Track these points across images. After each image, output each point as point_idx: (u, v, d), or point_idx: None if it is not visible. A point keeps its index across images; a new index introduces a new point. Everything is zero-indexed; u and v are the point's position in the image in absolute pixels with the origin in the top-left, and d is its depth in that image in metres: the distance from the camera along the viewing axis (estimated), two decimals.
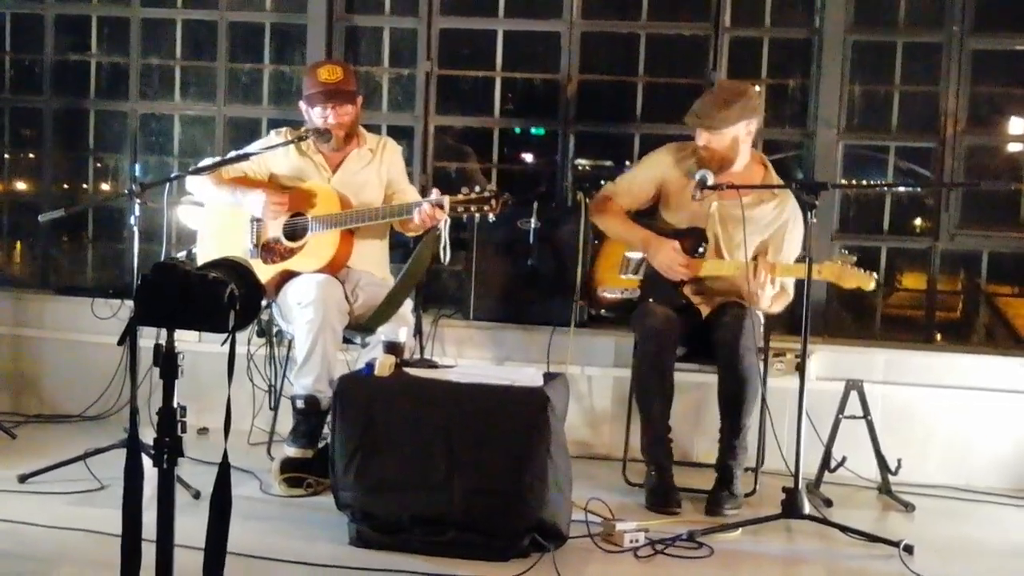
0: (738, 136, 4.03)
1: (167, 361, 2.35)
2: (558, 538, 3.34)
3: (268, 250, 4.19)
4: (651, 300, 4.11)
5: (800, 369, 3.68)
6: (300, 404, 4.00)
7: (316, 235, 4.12)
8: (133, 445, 2.47)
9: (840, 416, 4.20)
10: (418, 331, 4.47)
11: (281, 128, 4.34)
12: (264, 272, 4.09)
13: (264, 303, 3.97)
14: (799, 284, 4.11)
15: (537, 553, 3.26)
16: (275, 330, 4.41)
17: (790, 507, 3.58)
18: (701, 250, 4.10)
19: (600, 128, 5.28)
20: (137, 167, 5.40)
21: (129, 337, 2.59)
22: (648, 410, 4.01)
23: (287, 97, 5.38)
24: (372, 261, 4.29)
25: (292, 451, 3.99)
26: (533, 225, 4.61)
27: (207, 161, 4.23)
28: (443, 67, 5.31)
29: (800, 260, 3.98)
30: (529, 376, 3.52)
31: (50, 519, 3.44)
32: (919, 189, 5.21)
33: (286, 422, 4.19)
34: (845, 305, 5.13)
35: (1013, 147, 5.10)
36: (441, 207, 3.85)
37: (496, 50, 5.26)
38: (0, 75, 5.66)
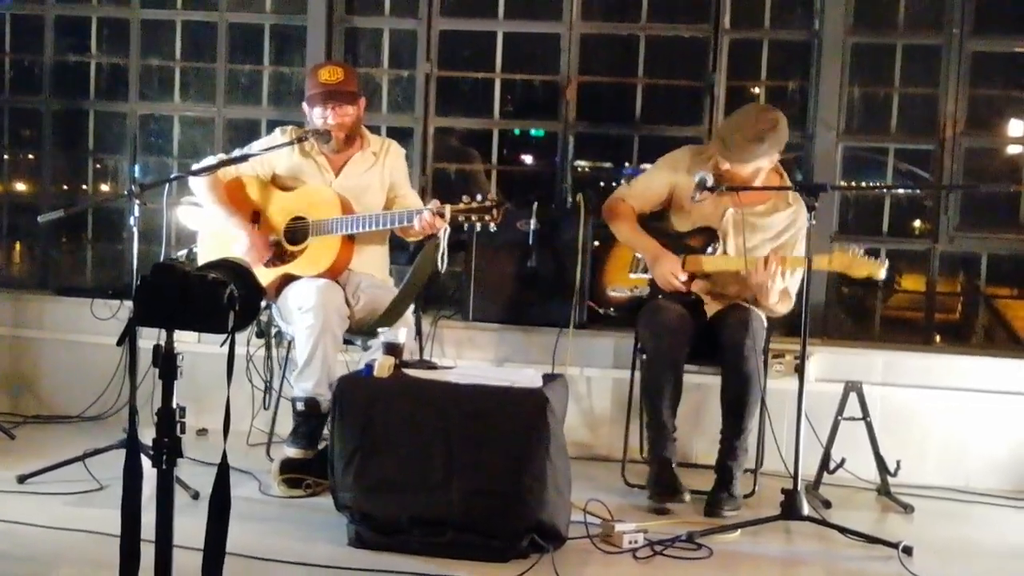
0: (762, 167, 4.03)
1: (166, 362, 2.36)
2: (557, 539, 3.34)
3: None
4: (661, 297, 4.11)
5: (799, 370, 3.68)
6: (300, 407, 4.00)
7: (317, 239, 4.12)
8: (132, 446, 2.48)
9: (839, 417, 4.20)
10: (418, 332, 4.47)
11: (286, 127, 4.33)
12: (265, 275, 4.09)
13: (263, 304, 3.97)
14: (800, 287, 4.13)
15: (536, 554, 3.26)
16: (274, 331, 4.41)
17: (789, 508, 3.58)
18: (710, 250, 4.11)
19: (600, 130, 5.29)
20: (136, 168, 5.37)
21: (128, 338, 2.58)
22: (657, 407, 3.98)
23: (287, 98, 5.39)
24: (372, 264, 4.29)
25: (292, 452, 3.99)
26: (533, 226, 4.61)
27: (209, 160, 4.22)
28: (443, 68, 5.31)
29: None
30: (528, 377, 3.52)
31: (49, 519, 3.44)
32: (918, 191, 5.22)
33: (285, 423, 4.20)
34: (844, 307, 5.13)
35: (1012, 149, 5.10)
36: (442, 216, 3.85)
37: (496, 52, 5.26)
38: (0, 76, 5.66)
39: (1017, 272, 5.08)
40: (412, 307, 4.24)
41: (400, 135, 5.15)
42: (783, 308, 4.14)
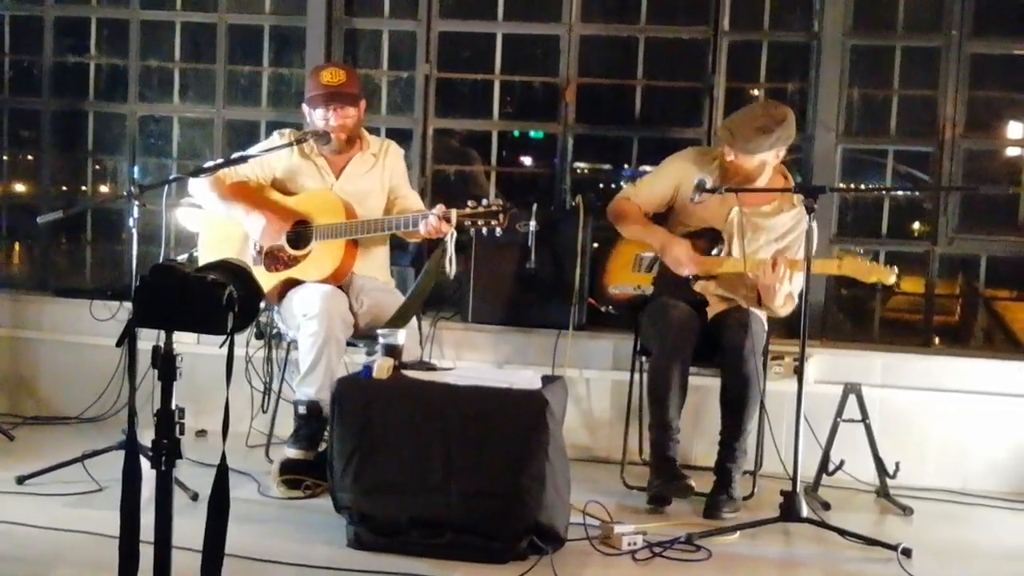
0: (767, 161, 4.04)
1: (165, 363, 2.36)
2: (556, 541, 3.34)
3: (272, 258, 4.18)
4: (664, 295, 4.12)
5: (798, 372, 3.69)
6: (302, 410, 4.00)
7: (321, 244, 4.11)
8: (131, 447, 2.48)
9: (838, 419, 4.21)
10: (418, 334, 4.46)
11: (284, 130, 4.33)
12: (267, 280, 4.08)
13: (263, 306, 3.96)
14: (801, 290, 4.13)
15: (535, 556, 3.26)
16: (273, 331, 4.40)
17: (788, 510, 3.58)
18: (715, 252, 4.11)
19: (599, 131, 5.29)
20: (136, 169, 5.40)
21: (128, 339, 2.58)
22: (663, 405, 3.96)
23: (286, 100, 5.39)
24: (375, 266, 4.29)
25: (292, 453, 3.99)
26: (532, 228, 4.61)
27: (208, 163, 4.21)
28: (442, 70, 5.31)
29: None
30: (527, 379, 3.52)
31: (48, 521, 3.44)
32: (917, 193, 5.22)
33: (284, 425, 4.20)
34: (843, 309, 5.13)
35: (1011, 151, 5.10)
36: (448, 220, 3.85)
37: (495, 53, 5.26)
38: None
39: (1016, 274, 5.08)
40: None
41: (399, 136, 5.15)
42: (786, 310, 4.14)
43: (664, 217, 4.31)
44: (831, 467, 4.16)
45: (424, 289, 4.14)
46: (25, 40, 5.60)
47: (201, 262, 4.21)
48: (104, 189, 5.72)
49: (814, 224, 3.65)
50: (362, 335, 4.13)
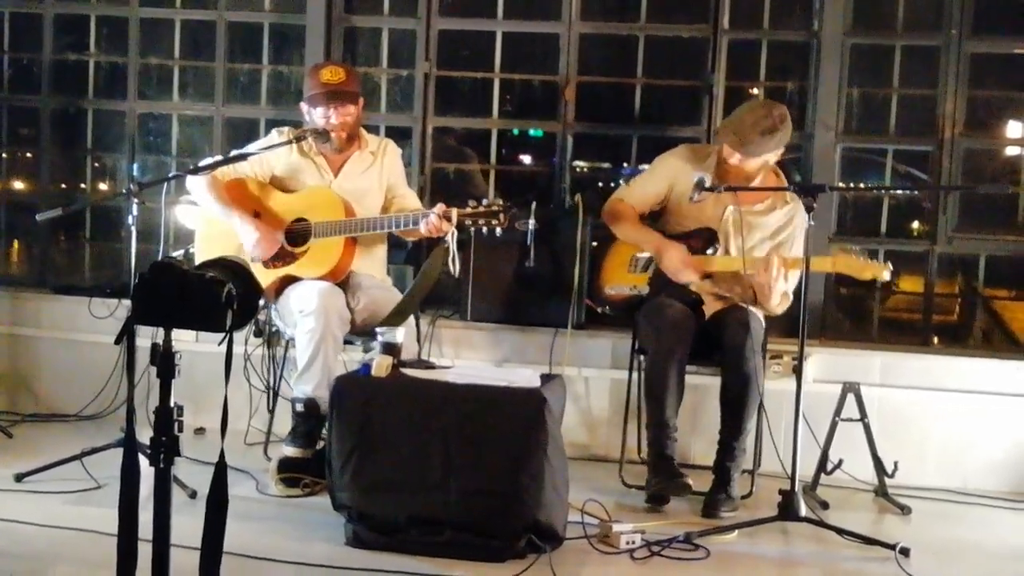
0: (768, 160, 4.05)
1: (164, 360, 2.36)
2: (554, 539, 3.34)
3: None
4: (662, 294, 4.12)
5: (797, 371, 3.69)
6: (300, 407, 4.00)
7: (319, 241, 4.11)
8: (130, 444, 2.49)
9: (837, 419, 4.21)
10: (416, 332, 4.46)
11: (283, 128, 4.33)
12: (265, 277, 4.08)
13: (262, 303, 3.96)
14: (799, 288, 4.13)
15: (533, 554, 3.26)
16: (272, 329, 4.40)
17: (786, 509, 3.58)
18: (710, 251, 4.11)
19: (598, 130, 5.29)
20: (135, 167, 5.39)
21: (126, 336, 2.58)
22: (659, 404, 3.97)
23: (285, 97, 5.38)
24: (372, 264, 4.29)
25: (290, 451, 3.99)
26: (531, 226, 4.61)
27: (207, 160, 4.22)
28: (442, 68, 5.31)
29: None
30: (526, 377, 3.52)
31: (46, 518, 3.44)
32: (916, 192, 5.22)
33: (283, 422, 4.20)
34: (842, 308, 5.13)
35: (1011, 150, 5.10)
36: (448, 219, 3.85)
37: (495, 51, 5.26)
38: None
39: (1015, 273, 5.08)
40: None
41: (399, 135, 5.16)
42: (782, 308, 4.14)
43: (659, 216, 4.31)
44: (830, 466, 4.16)
45: (423, 288, 4.14)
46: (24, 37, 5.60)
47: (197, 258, 4.23)
48: (103, 187, 5.72)
49: (811, 222, 3.64)
50: (359, 332, 4.13)
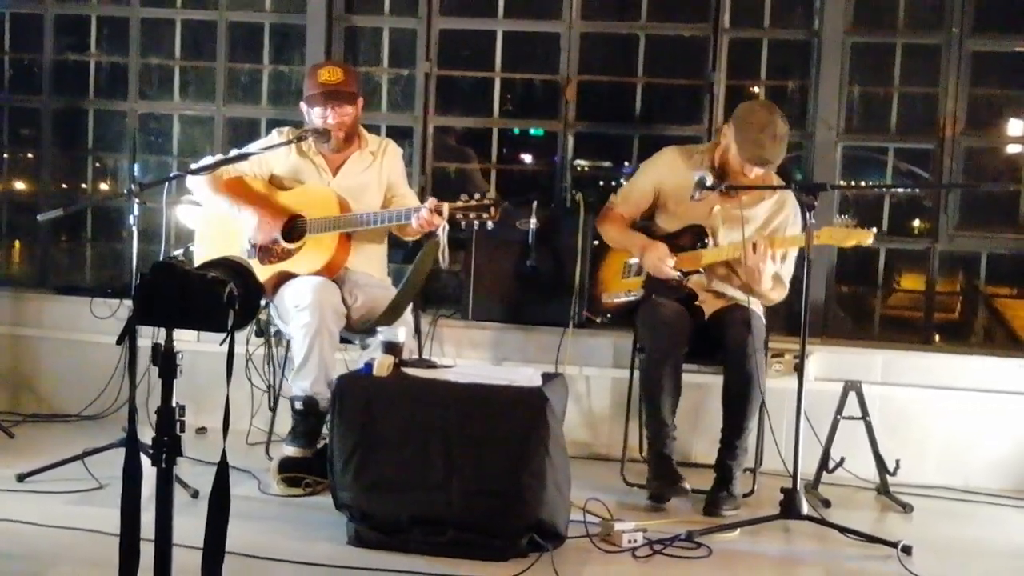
0: None
1: (165, 361, 2.36)
2: (556, 538, 3.34)
3: (266, 251, 4.19)
4: (656, 296, 4.12)
5: (799, 370, 3.69)
6: (298, 405, 4.00)
7: (314, 237, 4.12)
8: (132, 444, 2.48)
9: (838, 417, 4.20)
10: (417, 331, 4.47)
11: (283, 128, 4.34)
12: (261, 272, 4.08)
13: (263, 302, 3.97)
14: (794, 277, 4.14)
15: (535, 553, 3.26)
16: (273, 330, 4.41)
17: (788, 508, 3.58)
18: (699, 246, 4.11)
19: (599, 129, 5.28)
20: (136, 167, 5.38)
21: (128, 336, 2.58)
22: (656, 404, 3.98)
23: (286, 97, 5.38)
24: (371, 263, 4.29)
25: (291, 451, 3.99)
26: (532, 225, 4.61)
27: (207, 160, 4.23)
28: (442, 67, 5.31)
29: (799, 259, 3.99)
30: (528, 376, 3.53)
31: (48, 518, 3.44)
32: (918, 190, 5.22)
33: (284, 422, 4.19)
34: (844, 306, 5.13)
35: (1012, 148, 5.10)
36: (439, 213, 3.85)
37: (495, 51, 5.26)
38: (0, 74, 5.66)
39: (1017, 271, 5.08)
40: (411, 306, 4.24)
41: (399, 134, 5.16)
42: (777, 295, 4.15)
43: (652, 218, 4.33)
44: (831, 464, 4.16)
45: (415, 283, 4.14)
46: (25, 38, 5.60)
47: (197, 257, 4.24)
48: (104, 187, 5.73)
49: (812, 221, 3.64)
50: (356, 330, 4.14)
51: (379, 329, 3.75)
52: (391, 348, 3.64)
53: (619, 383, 4.62)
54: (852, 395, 4.19)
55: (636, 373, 4.32)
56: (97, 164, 5.69)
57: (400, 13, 5.34)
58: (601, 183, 5.45)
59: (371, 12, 5.38)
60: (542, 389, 3.37)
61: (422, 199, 4.22)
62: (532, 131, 5.51)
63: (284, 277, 4.13)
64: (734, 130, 4.00)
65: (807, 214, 3.64)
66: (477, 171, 5.35)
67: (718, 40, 5.04)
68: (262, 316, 4.32)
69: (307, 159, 4.25)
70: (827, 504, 4.10)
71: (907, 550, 3.46)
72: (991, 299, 5.13)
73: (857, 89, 5.03)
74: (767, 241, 3.93)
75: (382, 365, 3.50)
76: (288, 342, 4.29)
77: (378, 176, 4.31)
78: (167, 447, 2.35)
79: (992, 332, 5.12)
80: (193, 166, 4.21)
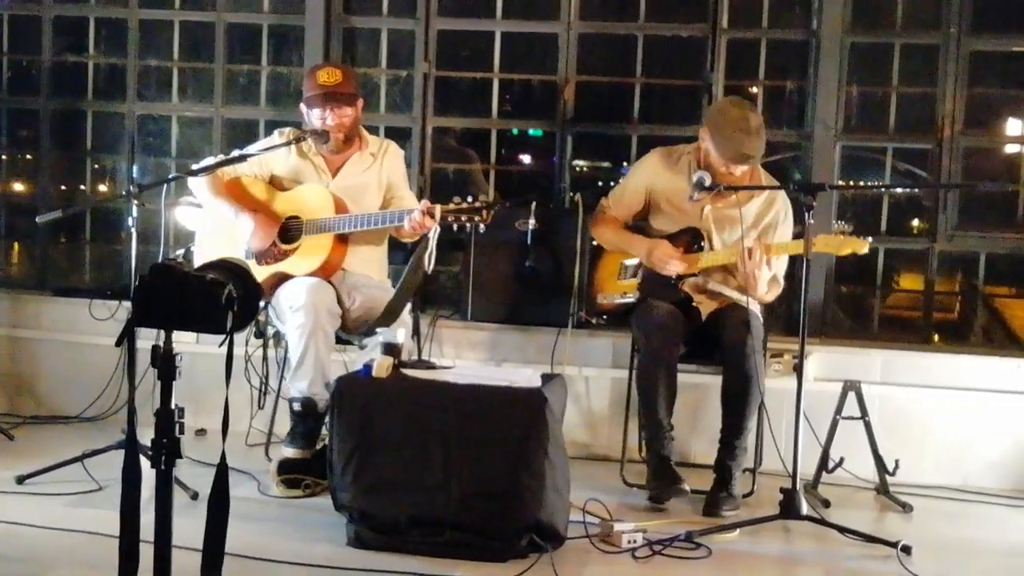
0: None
1: (165, 362, 2.36)
2: (556, 539, 3.34)
3: (262, 252, 4.19)
4: (649, 298, 4.13)
5: (798, 370, 3.69)
6: (297, 407, 4.00)
7: (309, 238, 4.12)
8: (131, 446, 2.48)
9: (838, 417, 4.20)
10: (416, 332, 4.47)
11: (284, 128, 4.34)
12: (258, 273, 4.08)
13: (261, 304, 3.97)
14: (790, 276, 4.14)
15: (535, 554, 3.26)
16: (271, 331, 4.41)
17: (788, 508, 3.58)
18: (696, 248, 4.12)
19: (597, 129, 5.28)
20: (135, 168, 5.39)
21: (127, 338, 2.58)
22: (652, 405, 3.99)
23: (285, 98, 5.38)
24: (369, 264, 4.29)
25: (290, 452, 3.99)
26: (531, 226, 4.61)
27: (208, 161, 4.23)
28: (441, 68, 5.31)
29: (794, 257, 4.00)
30: (527, 377, 3.53)
31: (48, 520, 3.44)
32: (916, 190, 5.22)
33: (284, 423, 4.19)
34: (843, 306, 5.13)
35: (1010, 148, 5.10)
36: (432, 216, 3.85)
37: (494, 51, 5.26)
38: None
39: (1015, 271, 5.08)
40: (410, 307, 4.24)
41: (398, 135, 5.15)
42: (772, 295, 4.16)
43: (644, 221, 4.33)
44: (831, 464, 4.16)
45: (410, 285, 4.14)
46: (24, 39, 5.60)
47: (197, 257, 4.24)
48: (103, 188, 5.72)
49: (811, 221, 3.64)
50: (354, 331, 4.14)
51: (378, 330, 3.75)
52: (390, 349, 3.64)
53: (618, 383, 4.62)
54: (851, 395, 4.19)
55: (635, 373, 4.33)
56: (96, 165, 5.69)
57: (398, 14, 5.34)
58: (600, 183, 5.45)
59: (369, 13, 5.38)
60: (541, 390, 3.37)
61: (420, 200, 4.22)
62: (530, 132, 5.51)
63: (282, 278, 4.13)
64: (709, 132, 4.01)
65: (806, 215, 3.64)
66: (479, 172, 5.35)
67: (716, 40, 5.04)
68: (261, 317, 4.32)
69: (307, 160, 4.25)
70: (826, 504, 4.10)
71: (907, 550, 3.46)
72: (990, 299, 5.13)
73: (856, 89, 5.03)
74: (763, 248, 3.94)
75: (381, 366, 3.50)
76: (286, 343, 4.30)
77: (378, 177, 4.30)
78: (166, 449, 2.35)
79: (991, 332, 5.12)
80: (194, 166, 4.22)
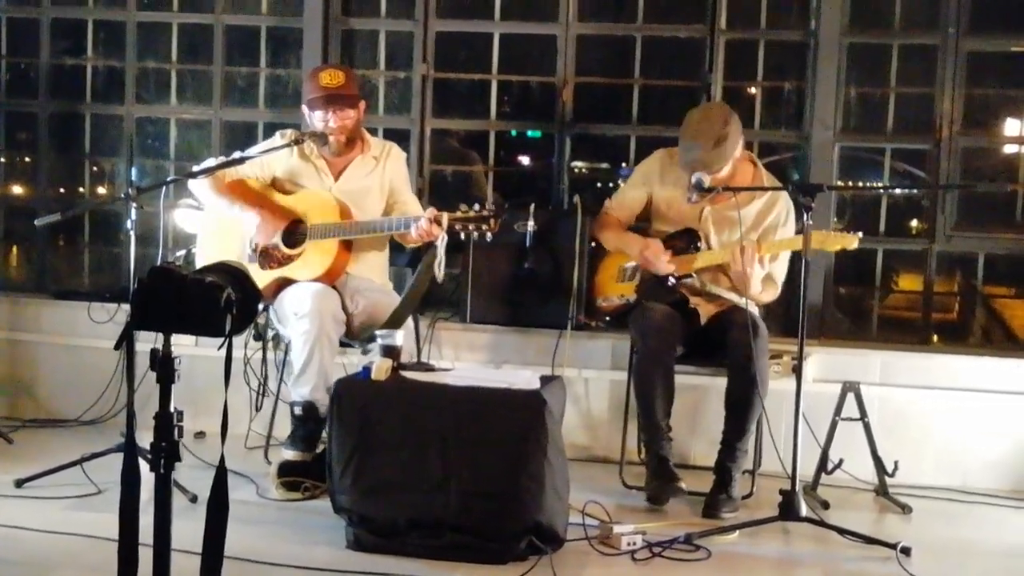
0: (735, 157, 4.04)
1: (164, 365, 2.35)
2: (555, 541, 3.34)
3: (266, 256, 4.19)
4: (646, 300, 4.13)
5: (797, 371, 3.69)
6: (298, 411, 4.00)
7: (314, 243, 4.12)
8: (130, 449, 2.48)
9: (837, 418, 4.21)
10: (415, 334, 4.46)
11: (286, 130, 4.33)
12: (261, 278, 4.08)
13: (260, 307, 3.96)
14: (790, 277, 4.14)
15: (534, 556, 3.26)
16: (271, 334, 4.40)
17: (787, 509, 3.58)
18: (692, 249, 4.12)
19: (596, 131, 5.28)
20: (133, 171, 5.39)
21: (126, 341, 2.58)
22: (649, 407, 3.99)
23: (283, 100, 5.38)
24: (371, 268, 4.29)
25: (290, 455, 3.99)
26: (530, 228, 4.61)
27: (210, 162, 4.23)
28: (439, 70, 5.30)
29: (794, 259, 4.00)
30: (526, 379, 3.52)
31: (47, 524, 3.44)
32: (915, 191, 5.22)
33: (283, 426, 4.19)
34: (841, 307, 5.13)
35: (1008, 149, 5.10)
36: (439, 224, 3.85)
37: (492, 53, 5.26)
38: None
39: (1014, 271, 5.08)
40: None
41: (397, 137, 5.15)
42: (768, 296, 4.16)
43: (647, 222, 4.34)
44: (830, 466, 4.16)
45: (417, 292, 4.14)
46: (22, 42, 5.59)
47: (198, 260, 4.23)
48: (102, 191, 5.72)
49: (809, 222, 3.64)
50: (357, 336, 4.13)
51: (377, 332, 3.74)
52: (389, 351, 3.64)
53: (617, 385, 4.62)
54: (850, 396, 4.19)
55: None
56: (94, 168, 5.69)
57: (397, 16, 5.34)
58: (599, 185, 5.45)
59: (368, 15, 5.38)
60: (540, 392, 3.37)
61: (421, 204, 4.22)
62: (529, 133, 5.51)
63: (284, 283, 4.12)
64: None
65: (804, 215, 3.64)
66: (480, 174, 5.35)
67: (714, 41, 5.04)
68: (260, 320, 4.32)
69: (309, 162, 4.25)
70: (826, 505, 4.10)
71: (906, 551, 3.46)
72: (989, 299, 5.13)
73: (854, 90, 5.03)
74: (754, 246, 3.94)
75: (380, 368, 3.50)
76: (287, 346, 4.30)
77: (380, 181, 4.30)
78: (165, 452, 2.35)
79: (990, 332, 5.13)
80: (195, 168, 4.21)
